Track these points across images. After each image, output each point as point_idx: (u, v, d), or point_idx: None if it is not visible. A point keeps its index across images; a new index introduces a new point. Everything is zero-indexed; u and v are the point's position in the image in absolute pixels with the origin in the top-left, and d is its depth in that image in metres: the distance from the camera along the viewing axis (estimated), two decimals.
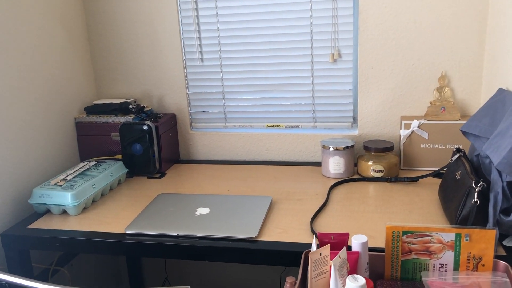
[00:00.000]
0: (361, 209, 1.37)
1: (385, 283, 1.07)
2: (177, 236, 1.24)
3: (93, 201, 1.51)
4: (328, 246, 1.01)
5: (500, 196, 1.10)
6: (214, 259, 1.21)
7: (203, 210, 1.36)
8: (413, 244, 1.04)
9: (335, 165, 1.62)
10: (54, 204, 1.42)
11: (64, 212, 1.44)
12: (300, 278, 1.01)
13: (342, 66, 1.75)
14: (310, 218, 1.31)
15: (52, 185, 1.46)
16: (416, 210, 1.34)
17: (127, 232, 1.28)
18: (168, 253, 1.23)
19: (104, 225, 1.35)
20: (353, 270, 1.02)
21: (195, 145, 1.90)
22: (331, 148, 1.62)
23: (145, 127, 1.68)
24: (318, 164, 1.76)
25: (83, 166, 1.62)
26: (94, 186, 1.49)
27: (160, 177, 1.71)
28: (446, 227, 1.07)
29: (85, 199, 1.44)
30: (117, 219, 1.38)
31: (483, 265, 1.02)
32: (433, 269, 1.05)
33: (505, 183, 1.10)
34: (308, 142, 1.81)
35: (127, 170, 1.69)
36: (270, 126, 1.85)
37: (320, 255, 0.99)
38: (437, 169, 1.56)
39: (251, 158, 1.87)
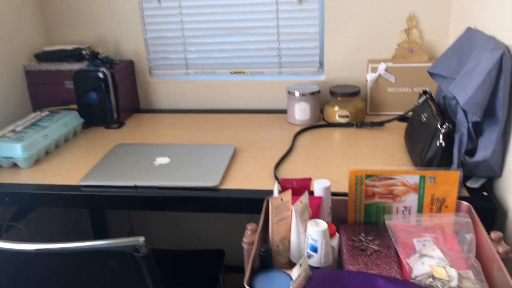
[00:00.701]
0: (326, 154, 1.34)
1: (348, 227, 1.05)
2: (135, 187, 1.19)
3: (46, 153, 1.42)
4: (289, 191, 0.97)
5: (465, 137, 1.08)
6: (175, 209, 1.17)
7: (162, 160, 1.30)
8: (377, 187, 1.02)
9: (301, 112, 1.57)
10: (3, 157, 1.33)
11: (15, 165, 1.36)
12: (261, 225, 0.98)
13: (308, 7, 1.66)
14: (274, 165, 1.27)
15: (0, 136, 1.36)
16: (381, 154, 1.32)
17: (82, 184, 1.22)
18: (126, 204, 1.18)
19: (58, 177, 1.27)
20: (315, 215, 0.99)
21: (155, 93, 1.81)
22: (297, 94, 1.56)
23: (101, 75, 1.58)
24: (284, 111, 1.71)
25: (35, 116, 1.52)
26: (46, 137, 1.41)
27: (118, 127, 1.63)
28: (410, 169, 1.04)
29: (36, 151, 1.36)
30: (72, 171, 1.31)
31: (447, 206, 1.01)
32: (397, 212, 1.03)
33: (470, 124, 1.08)
34: (273, 89, 1.75)
35: (82, 120, 1.60)
36: (234, 72, 1.78)
37: (281, 200, 0.96)
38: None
39: (215, 107, 1.80)
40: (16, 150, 1.32)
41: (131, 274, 0.89)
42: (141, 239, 0.86)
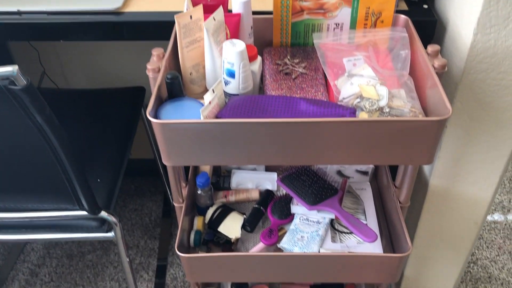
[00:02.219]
0: None
1: (273, 50, 0.92)
2: (18, 13, 0.97)
3: None
4: (200, 6, 0.81)
5: None
6: (70, 38, 0.99)
7: None
8: (306, 1, 0.87)
9: None
10: None
11: None
12: (170, 49, 0.83)
13: None
14: None
15: None
16: None
17: None
18: (10, 34, 0.97)
19: None
20: (233, 35, 0.85)
21: None
22: None
23: None
24: None
25: None
26: None
27: None
28: None
29: None
30: None
31: (382, 21, 0.89)
32: (327, 30, 0.91)
33: None
34: None
35: None
36: None
37: (191, 18, 0.80)
38: None
39: None
40: None
41: (14, 110, 0.75)
42: (15, 68, 0.70)
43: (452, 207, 1.05)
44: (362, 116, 0.73)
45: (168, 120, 0.70)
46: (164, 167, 1.34)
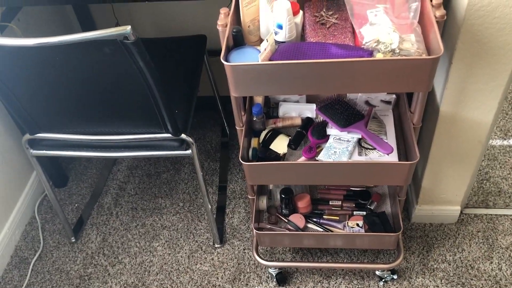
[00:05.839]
0: None
1: (312, 4, 1.15)
2: None
3: None
4: None
5: None
6: None
7: None
8: None
9: None
10: None
11: None
12: (233, 9, 1.09)
13: None
14: None
15: None
16: None
17: None
18: None
19: None
20: None
21: None
22: None
23: None
24: None
25: None
26: None
27: None
28: None
29: None
30: None
31: None
32: None
33: None
34: None
35: None
36: None
37: None
38: None
39: None
40: None
41: (125, 59, 1.04)
42: (128, 27, 0.98)
43: (459, 129, 1.29)
44: (378, 56, 0.97)
45: (236, 62, 0.98)
46: (222, 102, 1.65)
